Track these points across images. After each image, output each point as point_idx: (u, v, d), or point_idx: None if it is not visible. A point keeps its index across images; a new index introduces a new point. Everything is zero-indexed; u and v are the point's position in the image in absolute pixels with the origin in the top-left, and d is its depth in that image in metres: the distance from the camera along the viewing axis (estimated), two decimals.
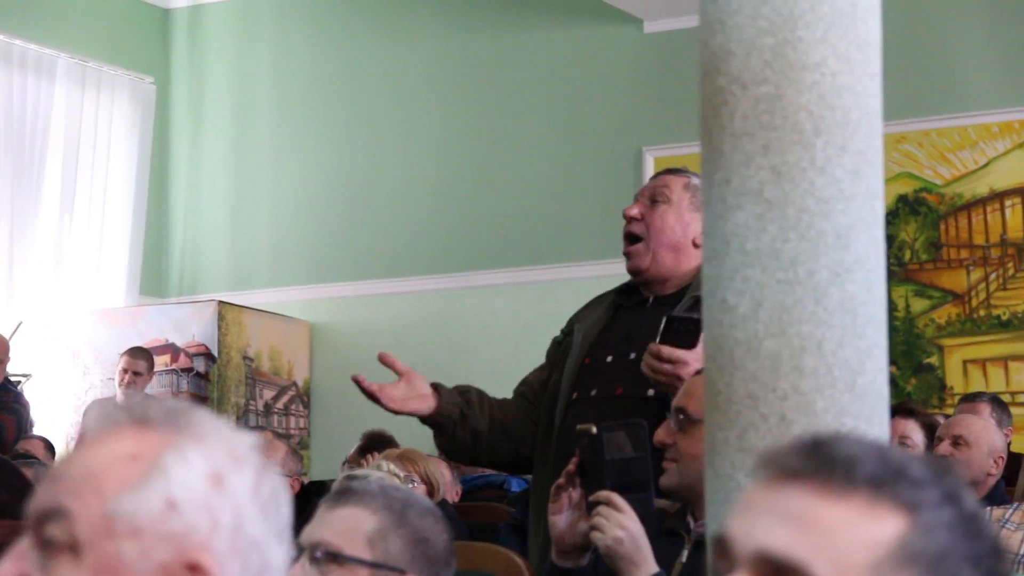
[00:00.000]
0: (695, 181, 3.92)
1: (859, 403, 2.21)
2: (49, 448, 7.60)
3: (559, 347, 4.06)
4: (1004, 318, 8.73)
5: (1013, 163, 8.78)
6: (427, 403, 3.90)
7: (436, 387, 3.93)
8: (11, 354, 8.23)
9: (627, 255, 3.97)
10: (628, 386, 3.80)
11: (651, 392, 3.68)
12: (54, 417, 9.28)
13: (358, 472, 2.65)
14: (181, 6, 10.67)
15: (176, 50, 10.66)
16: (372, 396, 3.83)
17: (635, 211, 3.96)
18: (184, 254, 10.48)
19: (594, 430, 2.95)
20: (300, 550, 2.43)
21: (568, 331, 4.05)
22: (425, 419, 3.93)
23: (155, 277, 10.37)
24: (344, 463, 6.59)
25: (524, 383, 4.10)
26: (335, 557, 2.41)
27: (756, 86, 2.27)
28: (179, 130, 10.60)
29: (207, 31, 10.61)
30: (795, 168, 2.25)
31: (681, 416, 3.08)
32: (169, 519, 1.51)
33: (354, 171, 10.14)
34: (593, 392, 3.88)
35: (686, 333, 3.44)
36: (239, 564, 1.52)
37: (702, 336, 2.31)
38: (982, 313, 8.74)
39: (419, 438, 8.79)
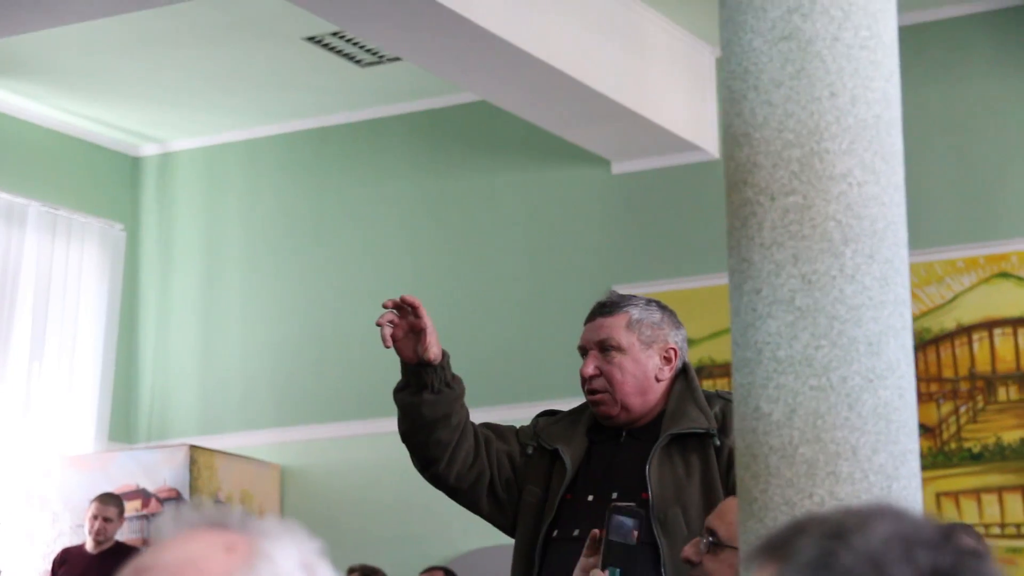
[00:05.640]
0: (635, 315, 3.94)
1: None
2: None
3: (529, 459, 4.00)
4: (975, 451, 8.77)
5: (979, 297, 8.88)
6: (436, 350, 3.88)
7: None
8: None
9: (593, 403, 3.95)
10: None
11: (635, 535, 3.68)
12: (23, 565, 9.16)
13: None
14: (151, 154, 10.72)
15: (146, 197, 10.70)
16: (414, 309, 3.82)
17: (590, 370, 3.94)
18: (153, 399, 10.43)
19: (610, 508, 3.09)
20: None
21: (549, 448, 3.97)
22: (413, 367, 3.90)
23: (124, 422, 10.31)
24: None
25: (486, 433, 4.04)
26: None
27: (784, 196, 2.31)
28: (148, 275, 10.61)
29: (176, 177, 10.66)
30: (825, 276, 2.29)
31: (711, 538, 3.09)
32: None
33: (324, 313, 10.15)
34: (576, 532, 3.83)
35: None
36: None
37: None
38: (953, 446, 8.78)
39: (405, 573, 8.73)
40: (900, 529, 1.29)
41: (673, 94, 9.03)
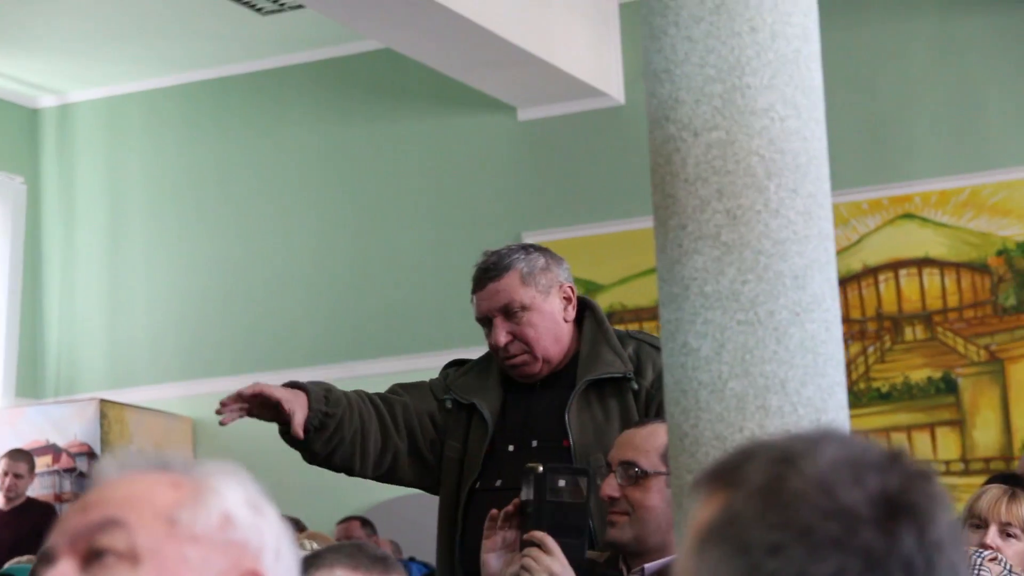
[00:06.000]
0: (524, 268, 3.85)
1: None
2: None
3: (448, 413, 3.93)
4: (884, 390, 8.87)
5: (884, 239, 8.96)
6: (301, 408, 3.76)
7: (298, 385, 3.80)
8: None
9: (513, 367, 3.86)
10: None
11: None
12: None
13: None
14: (50, 105, 10.58)
15: (46, 149, 10.56)
16: (254, 398, 3.69)
17: (504, 337, 3.82)
18: (60, 353, 10.33)
19: (540, 469, 2.97)
20: None
21: (464, 402, 3.92)
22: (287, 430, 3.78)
23: (31, 378, 10.21)
24: None
25: (395, 400, 3.94)
26: None
27: (707, 132, 2.31)
28: (51, 229, 10.49)
29: (77, 129, 10.53)
30: (750, 211, 2.29)
31: (633, 470, 3.09)
32: (226, 531, 1.56)
33: (230, 265, 10.08)
34: (498, 483, 3.81)
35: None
36: None
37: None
38: (862, 386, 8.88)
39: (322, 523, 8.71)
40: (847, 452, 1.30)
41: (578, 40, 9.02)
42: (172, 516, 1.55)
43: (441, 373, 4.07)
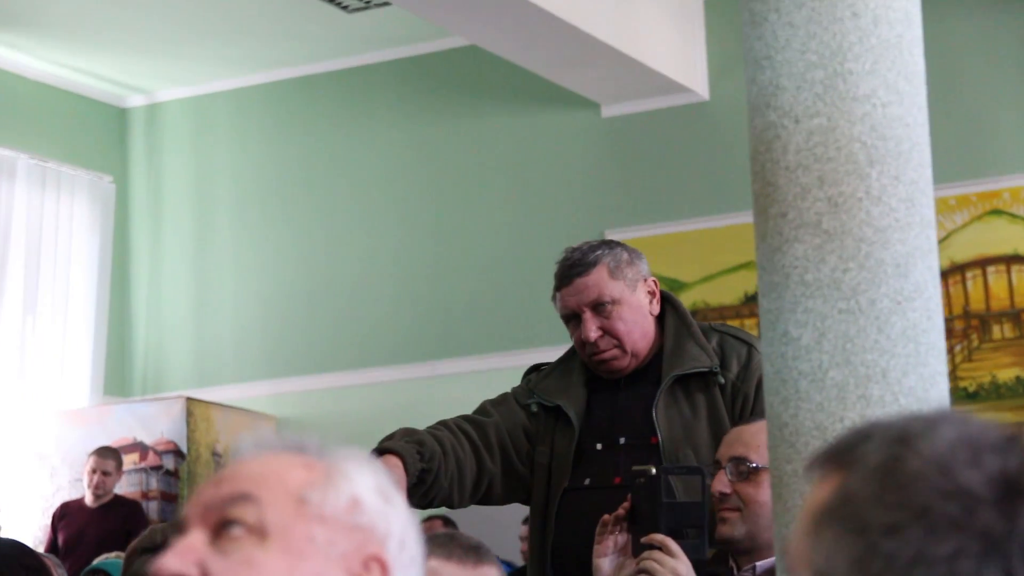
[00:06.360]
0: (610, 263, 3.83)
1: None
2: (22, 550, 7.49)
3: (535, 418, 3.92)
4: (971, 390, 8.79)
5: (972, 235, 8.87)
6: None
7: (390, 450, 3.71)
8: None
9: (602, 362, 3.83)
10: (626, 476, 3.68)
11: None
12: (22, 520, 9.15)
13: None
14: (138, 105, 10.67)
15: (134, 148, 10.65)
16: None
17: (594, 333, 3.79)
18: (147, 352, 10.41)
19: (653, 471, 2.95)
20: None
21: (550, 405, 3.91)
22: None
23: (119, 376, 10.30)
24: None
25: (487, 423, 3.92)
26: None
27: (808, 119, 2.29)
28: (139, 228, 10.57)
29: (164, 128, 10.61)
30: (851, 199, 2.27)
31: (744, 466, 3.08)
32: (354, 515, 1.59)
33: (315, 264, 10.12)
34: (587, 481, 3.80)
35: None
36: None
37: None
38: (949, 386, 8.79)
39: None
40: (966, 433, 1.28)
41: (662, 35, 8.99)
42: (302, 495, 1.57)
43: (523, 379, 4.05)
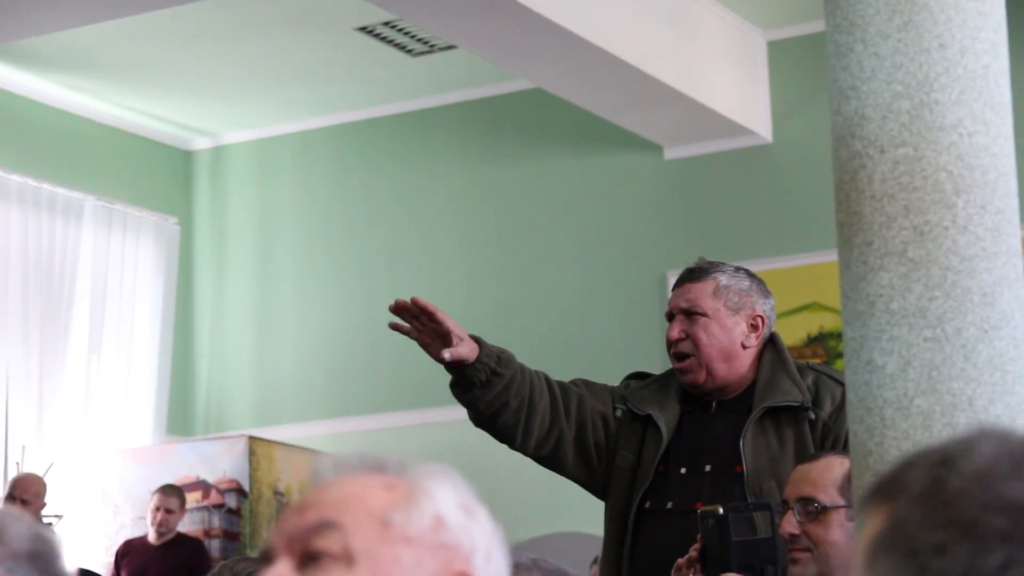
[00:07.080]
0: (722, 281, 3.92)
1: None
2: None
3: (619, 423, 3.98)
4: None
5: None
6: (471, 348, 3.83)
7: (476, 339, 3.87)
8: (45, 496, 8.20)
9: (680, 371, 3.93)
10: (708, 502, 3.74)
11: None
12: (86, 558, 9.20)
13: None
14: (203, 147, 10.76)
15: (199, 190, 10.75)
16: (425, 314, 3.77)
17: (676, 332, 3.92)
18: (210, 391, 10.47)
19: (721, 511, 2.95)
20: None
21: (641, 413, 3.95)
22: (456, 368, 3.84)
23: (181, 415, 10.36)
24: None
25: (573, 391, 3.99)
26: None
27: (894, 148, 2.30)
28: (203, 268, 10.66)
29: (229, 170, 10.70)
30: (937, 227, 2.27)
31: (812, 506, 3.07)
32: (438, 533, 1.58)
33: (378, 303, 10.09)
34: (669, 505, 3.83)
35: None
36: None
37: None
38: None
39: None
40: (1005, 447, 1.29)
41: (725, 78, 9.02)
42: (385, 518, 1.57)
43: (622, 382, 4.12)
